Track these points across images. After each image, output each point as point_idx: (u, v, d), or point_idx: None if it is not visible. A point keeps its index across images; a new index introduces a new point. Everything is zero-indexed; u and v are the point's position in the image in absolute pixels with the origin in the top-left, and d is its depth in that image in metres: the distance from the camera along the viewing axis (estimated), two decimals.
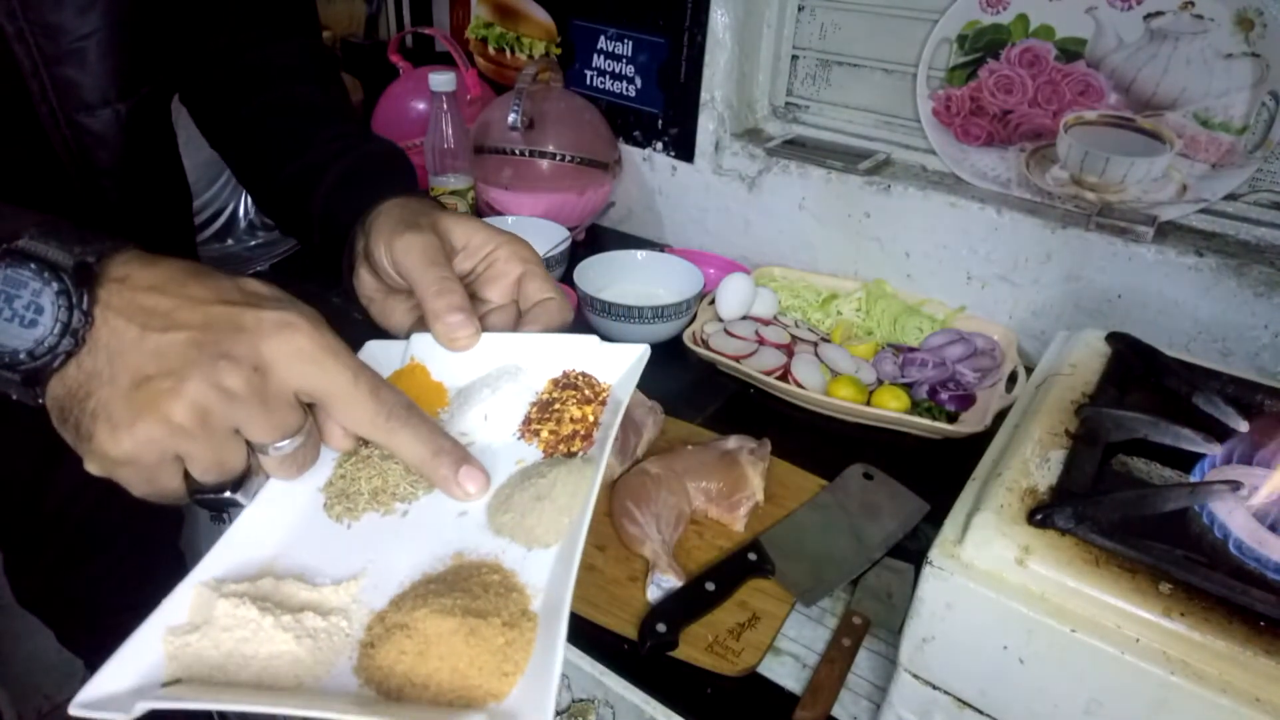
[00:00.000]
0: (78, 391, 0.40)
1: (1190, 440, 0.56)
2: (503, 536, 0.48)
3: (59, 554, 0.96)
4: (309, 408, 0.45)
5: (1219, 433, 0.57)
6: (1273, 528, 0.49)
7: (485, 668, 0.40)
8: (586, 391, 0.56)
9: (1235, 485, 0.50)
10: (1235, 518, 0.50)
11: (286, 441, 0.44)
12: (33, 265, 0.40)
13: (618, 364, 0.58)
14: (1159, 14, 0.94)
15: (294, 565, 0.47)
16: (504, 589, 0.44)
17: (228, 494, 0.44)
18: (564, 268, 1.22)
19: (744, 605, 0.70)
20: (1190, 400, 0.61)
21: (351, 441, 0.49)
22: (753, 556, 0.74)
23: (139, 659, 0.40)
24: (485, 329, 0.58)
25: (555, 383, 0.58)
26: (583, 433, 0.54)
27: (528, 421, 0.56)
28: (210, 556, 0.46)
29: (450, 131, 1.24)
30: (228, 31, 0.76)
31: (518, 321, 0.60)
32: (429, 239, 0.57)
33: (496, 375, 0.58)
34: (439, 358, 0.58)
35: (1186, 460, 0.58)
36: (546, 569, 0.46)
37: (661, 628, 0.66)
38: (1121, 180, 1.02)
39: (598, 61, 1.37)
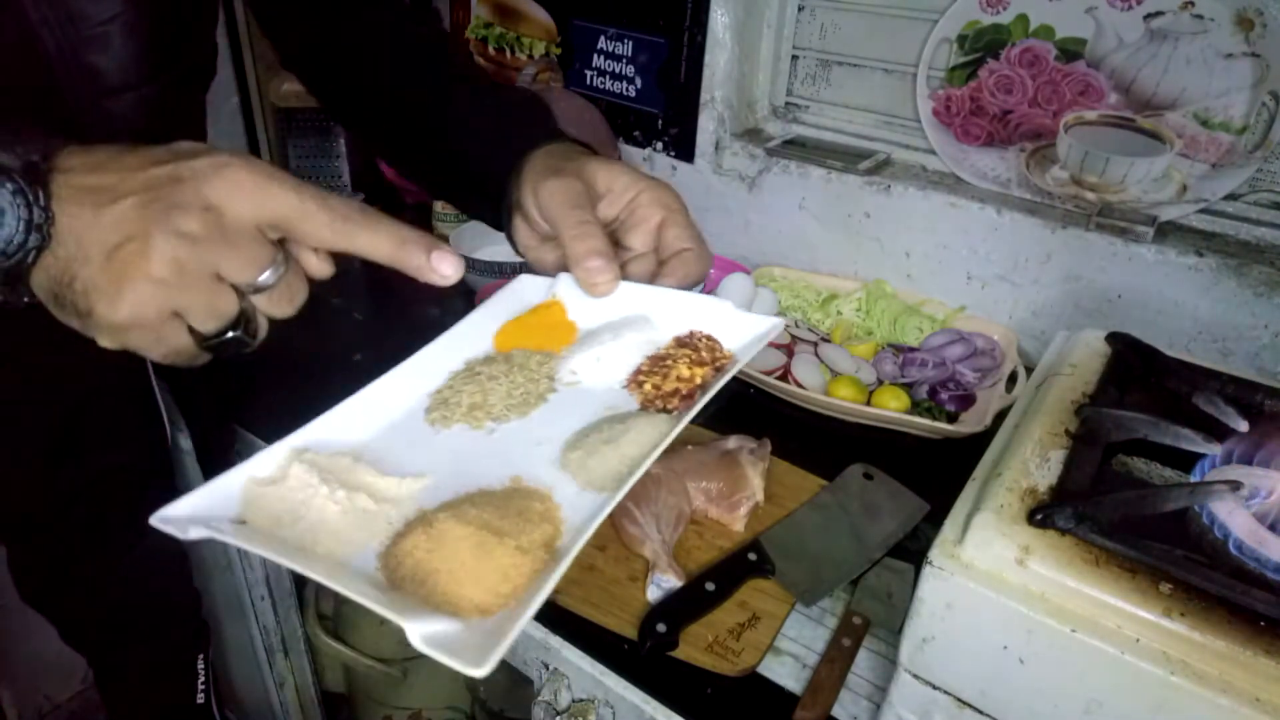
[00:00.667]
0: (61, 278, 0.42)
1: (1190, 440, 0.56)
2: (565, 471, 0.50)
3: (62, 552, 0.96)
4: (280, 243, 0.46)
5: (1219, 433, 0.57)
6: (1273, 527, 0.49)
7: (483, 582, 0.41)
8: (704, 354, 0.56)
9: (1235, 485, 0.50)
10: (1235, 518, 0.50)
11: (265, 274, 0.45)
12: None
13: (746, 332, 0.58)
14: (1159, 14, 0.94)
15: (376, 454, 0.52)
16: (540, 518, 0.46)
17: (230, 334, 0.46)
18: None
19: (744, 605, 0.71)
20: (1190, 400, 0.61)
21: (328, 263, 0.49)
22: (753, 556, 0.74)
23: (220, 495, 0.46)
24: (625, 277, 0.59)
25: (678, 340, 0.58)
26: (684, 392, 0.54)
27: (637, 372, 0.57)
28: (309, 426, 0.51)
29: None
30: (321, 8, 0.76)
31: (656, 270, 0.61)
32: (572, 184, 0.58)
33: (624, 323, 0.59)
34: (577, 299, 0.61)
35: (1186, 460, 0.58)
36: (589, 511, 0.47)
37: (661, 628, 0.66)
38: (1121, 180, 1.02)
39: (598, 61, 1.37)
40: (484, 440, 0.54)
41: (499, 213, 0.66)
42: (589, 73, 1.39)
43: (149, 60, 0.67)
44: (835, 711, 0.64)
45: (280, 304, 0.47)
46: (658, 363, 0.57)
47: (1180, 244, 0.98)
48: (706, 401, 0.53)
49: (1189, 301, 0.98)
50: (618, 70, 1.36)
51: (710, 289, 1.14)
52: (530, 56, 1.45)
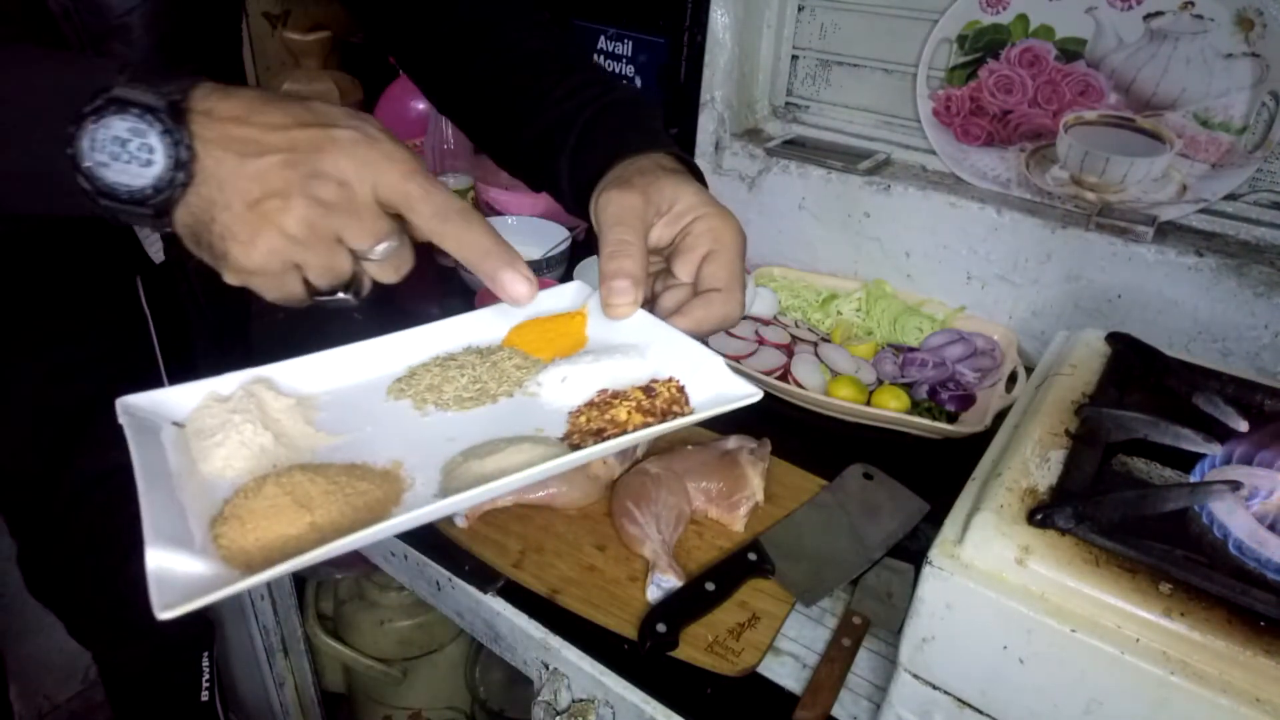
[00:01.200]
0: (203, 217, 0.46)
1: (1190, 440, 0.56)
2: (440, 473, 0.51)
3: (71, 548, 0.96)
4: (398, 217, 0.50)
5: (1219, 433, 0.57)
6: (1272, 528, 0.49)
7: (261, 539, 0.44)
8: (658, 403, 0.55)
9: (1235, 485, 0.51)
10: (1235, 518, 0.50)
11: (382, 245, 0.49)
12: (134, 110, 0.44)
13: (722, 393, 0.56)
14: (1159, 14, 0.94)
15: (325, 405, 0.57)
16: (365, 505, 0.47)
17: (340, 295, 0.52)
18: (564, 267, 1.22)
19: (744, 605, 0.71)
20: (1190, 400, 0.61)
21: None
22: (753, 556, 0.74)
23: (178, 398, 0.53)
24: (655, 306, 0.60)
25: (652, 380, 0.58)
26: (606, 435, 0.53)
27: (590, 402, 0.56)
28: (282, 364, 0.57)
29: (450, 132, 1.24)
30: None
31: (685, 304, 0.60)
32: (630, 199, 0.58)
33: (618, 348, 0.59)
34: (597, 313, 0.61)
35: (1186, 460, 0.58)
36: (420, 513, 0.46)
37: (661, 628, 0.66)
38: (1121, 180, 1.02)
39: (598, 61, 1.37)
40: (412, 421, 0.56)
41: (589, 214, 0.66)
42: None
43: (169, 51, 0.67)
44: (835, 711, 0.64)
45: (387, 272, 0.51)
46: (609, 398, 0.56)
47: (1180, 244, 0.98)
48: (606, 449, 0.51)
49: (1189, 301, 0.98)
50: (618, 70, 1.36)
51: None
52: None
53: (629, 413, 0.54)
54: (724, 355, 1.03)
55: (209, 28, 0.72)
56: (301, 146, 0.46)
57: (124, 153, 0.44)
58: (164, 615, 0.37)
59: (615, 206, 0.58)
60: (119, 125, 0.44)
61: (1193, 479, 0.57)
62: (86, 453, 0.89)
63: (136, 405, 0.51)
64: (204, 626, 1.15)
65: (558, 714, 0.71)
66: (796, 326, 1.13)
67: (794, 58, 1.26)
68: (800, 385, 1.00)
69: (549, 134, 0.70)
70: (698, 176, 0.66)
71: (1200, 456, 0.56)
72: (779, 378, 1.01)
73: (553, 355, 0.61)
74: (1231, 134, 0.95)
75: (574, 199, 0.69)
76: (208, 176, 0.45)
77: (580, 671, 0.68)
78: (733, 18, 1.20)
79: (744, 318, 1.10)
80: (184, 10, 0.67)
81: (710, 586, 0.70)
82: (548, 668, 0.71)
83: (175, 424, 0.52)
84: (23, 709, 1.55)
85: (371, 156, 0.47)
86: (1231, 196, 0.98)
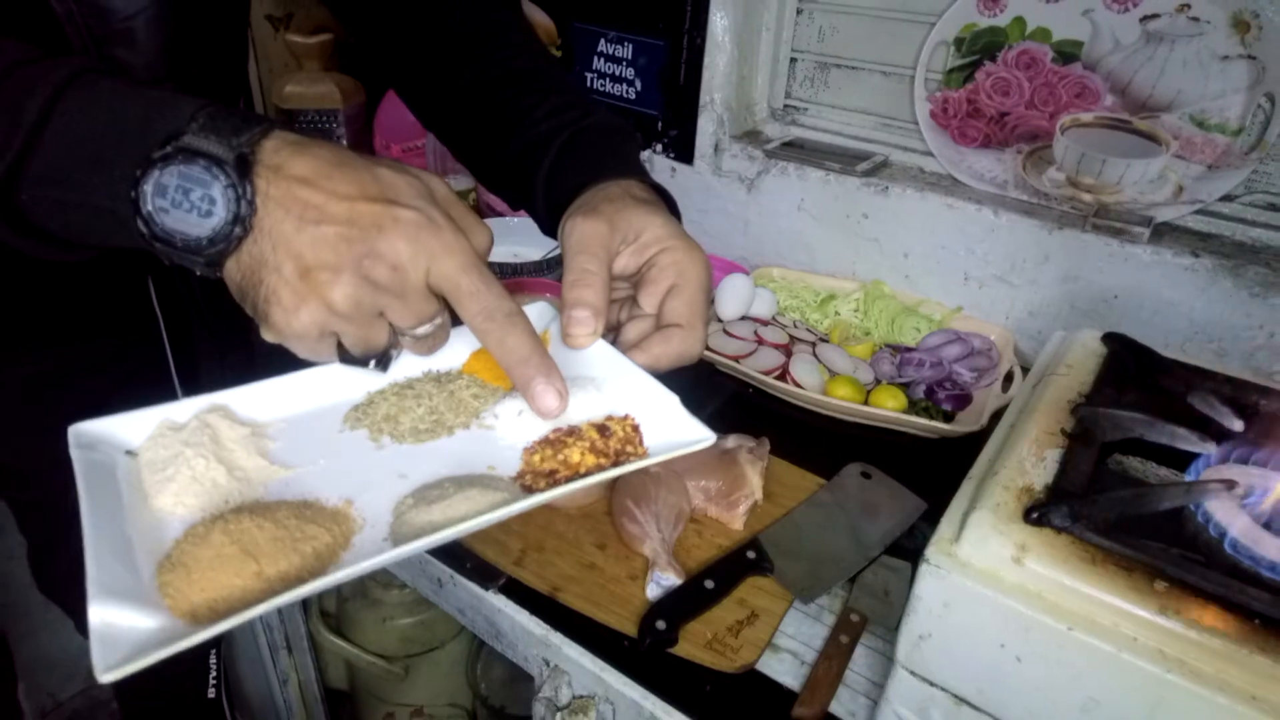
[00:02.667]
0: (251, 277, 0.47)
1: (1186, 439, 0.56)
2: (392, 514, 0.50)
3: (81, 546, 0.97)
4: (442, 299, 0.51)
5: (1214, 432, 0.57)
6: (1268, 526, 0.50)
7: (206, 590, 0.42)
8: (612, 444, 0.54)
9: (1230, 484, 0.51)
10: (1231, 516, 0.50)
11: (424, 327, 0.50)
12: (201, 161, 0.44)
13: (674, 434, 0.55)
14: (1155, 16, 0.95)
15: (279, 434, 0.55)
16: (314, 552, 0.46)
17: (371, 364, 0.53)
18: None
19: (743, 603, 0.71)
20: (1186, 400, 0.61)
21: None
22: (751, 555, 0.74)
23: (131, 426, 0.52)
24: (619, 337, 0.59)
25: (607, 418, 0.56)
26: (559, 477, 0.52)
27: (544, 439, 0.55)
28: (238, 390, 0.56)
29: None
30: (416, 5, 0.75)
31: (645, 338, 0.59)
32: (595, 226, 0.57)
33: (576, 381, 0.57)
34: (557, 340, 0.60)
35: (1182, 460, 0.58)
36: (364, 565, 0.45)
37: (661, 625, 0.67)
38: (1118, 181, 1.03)
39: (598, 64, 1.37)
40: (367, 454, 0.54)
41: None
42: (589, 75, 1.39)
43: (173, 56, 0.67)
44: (833, 708, 0.64)
45: (422, 347, 0.53)
46: (562, 436, 0.55)
47: (1176, 245, 0.99)
48: (556, 494, 0.50)
49: (1185, 302, 0.99)
50: (618, 72, 1.36)
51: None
52: None
53: (582, 453, 0.53)
54: (723, 355, 1.04)
55: (214, 32, 0.72)
56: (362, 222, 0.46)
57: (186, 201, 0.45)
58: (106, 678, 0.35)
59: (580, 233, 0.57)
60: (184, 174, 0.44)
61: (1188, 478, 0.57)
62: None
63: (89, 433, 0.50)
64: None
65: (558, 710, 0.71)
66: (795, 326, 1.13)
67: (793, 60, 1.27)
68: (798, 385, 1.01)
69: (527, 153, 0.69)
70: (671, 206, 0.65)
71: (1196, 456, 0.57)
72: (777, 377, 1.02)
73: (511, 384, 0.58)
74: (1227, 135, 0.95)
75: (548, 220, 0.68)
76: (264, 234, 0.46)
77: (581, 668, 0.68)
78: (732, 20, 1.20)
79: (743, 318, 1.11)
80: (189, 15, 0.67)
81: (709, 584, 0.71)
82: (548, 665, 0.72)
83: (128, 453, 0.51)
84: (27, 707, 1.55)
85: (431, 244, 0.47)
86: (1227, 198, 0.99)
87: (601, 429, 0.55)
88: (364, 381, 0.59)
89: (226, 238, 0.45)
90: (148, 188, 0.44)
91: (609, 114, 0.72)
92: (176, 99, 0.47)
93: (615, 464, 0.53)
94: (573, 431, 0.55)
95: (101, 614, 0.38)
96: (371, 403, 0.58)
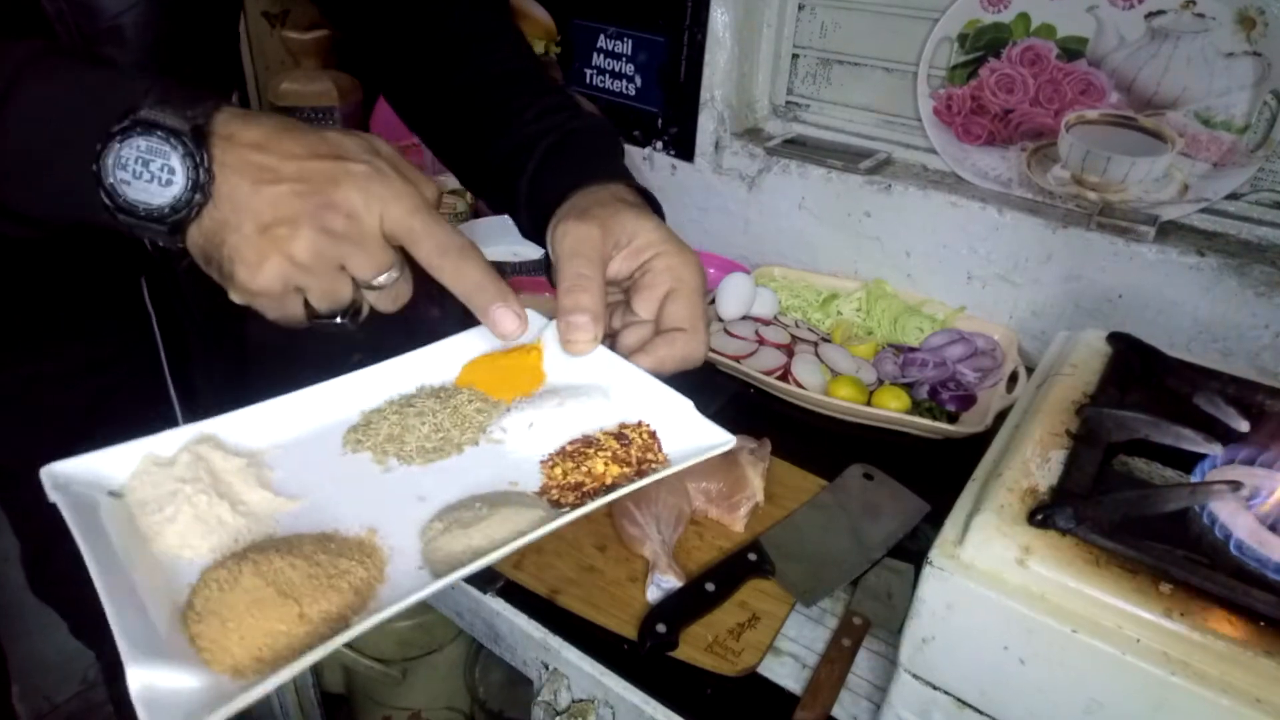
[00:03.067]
0: (213, 238, 0.48)
1: (1191, 440, 0.56)
2: (420, 539, 0.48)
3: (75, 548, 0.96)
4: (401, 252, 0.52)
5: (1220, 433, 0.57)
6: (1273, 528, 0.49)
7: (247, 640, 0.40)
8: (633, 452, 0.54)
9: (1236, 485, 0.50)
10: (1236, 518, 0.50)
11: (383, 276, 0.51)
12: (158, 132, 0.46)
13: (694, 439, 0.54)
14: (1160, 13, 0.94)
15: (276, 461, 0.53)
16: (351, 587, 0.44)
17: (338, 320, 0.52)
18: None
19: (744, 605, 0.70)
20: (1191, 400, 0.61)
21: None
22: (753, 557, 0.73)
23: (112, 463, 0.49)
24: (616, 343, 0.58)
25: (621, 426, 0.56)
26: (586, 489, 0.52)
27: (561, 451, 0.54)
28: (226, 417, 0.53)
29: None
30: (413, 5, 0.75)
31: (647, 343, 0.59)
32: (588, 231, 0.57)
33: (580, 390, 0.57)
34: (556, 351, 0.59)
35: (1187, 460, 0.58)
36: (406, 593, 0.43)
37: (661, 628, 0.66)
38: (1123, 180, 1.02)
39: (597, 60, 1.37)
40: (376, 478, 0.53)
41: (544, 238, 0.65)
42: (589, 71, 1.39)
43: (163, 54, 0.67)
44: (835, 712, 0.64)
45: (386, 301, 0.53)
46: (582, 447, 0.54)
47: (1181, 243, 0.98)
48: (596, 506, 0.49)
49: (1190, 301, 0.98)
50: (617, 69, 1.35)
51: (710, 289, 1.14)
52: None
53: (605, 464, 0.53)
54: (724, 355, 1.03)
55: (205, 30, 0.72)
56: (315, 177, 0.48)
57: (146, 172, 0.46)
58: None
59: (573, 238, 0.57)
60: (143, 146, 0.46)
61: (1193, 479, 0.57)
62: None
63: (64, 474, 0.47)
64: None
65: (557, 714, 0.71)
66: (797, 326, 1.13)
67: (794, 56, 1.26)
68: (800, 385, 1.00)
69: (514, 154, 0.70)
70: (657, 210, 0.65)
71: (1201, 457, 0.56)
72: (779, 377, 1.01)
73: (513, 395, 0.59)
74: (1233, 133, 0.94)
75: (530, 224, 0.68)
76: (223, 199, 0.47)
77: (580, 672, 0.68)
78: (733, 16, 1.20)
79: (744, 318, 1.10)
80: (179, 13, 0.67)
81: (710, 587, 0.70)
82: (547, 668, 0.71)
83: (112, 493, 0.48)
84: (22, 710, 1.55)
85: (382, 192, 0.49)
86: (1233, 196, 0.98)
87: (619, 437, 0.55)
88: (355, 399, 0.58)
89: (188, 204, 0.47)
90: (108, 160, 0.46)
91: (596, 117, 0.72)
92: (128, 75, 0.49)
93: (639, 473, 0.53)
94: (591, 442, 0.54)
95: (141, 677, 0.36)
96: (370, 423, 0.56)
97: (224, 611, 0.41)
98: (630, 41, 1.32)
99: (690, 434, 0.55)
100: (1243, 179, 0.96)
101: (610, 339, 0.61)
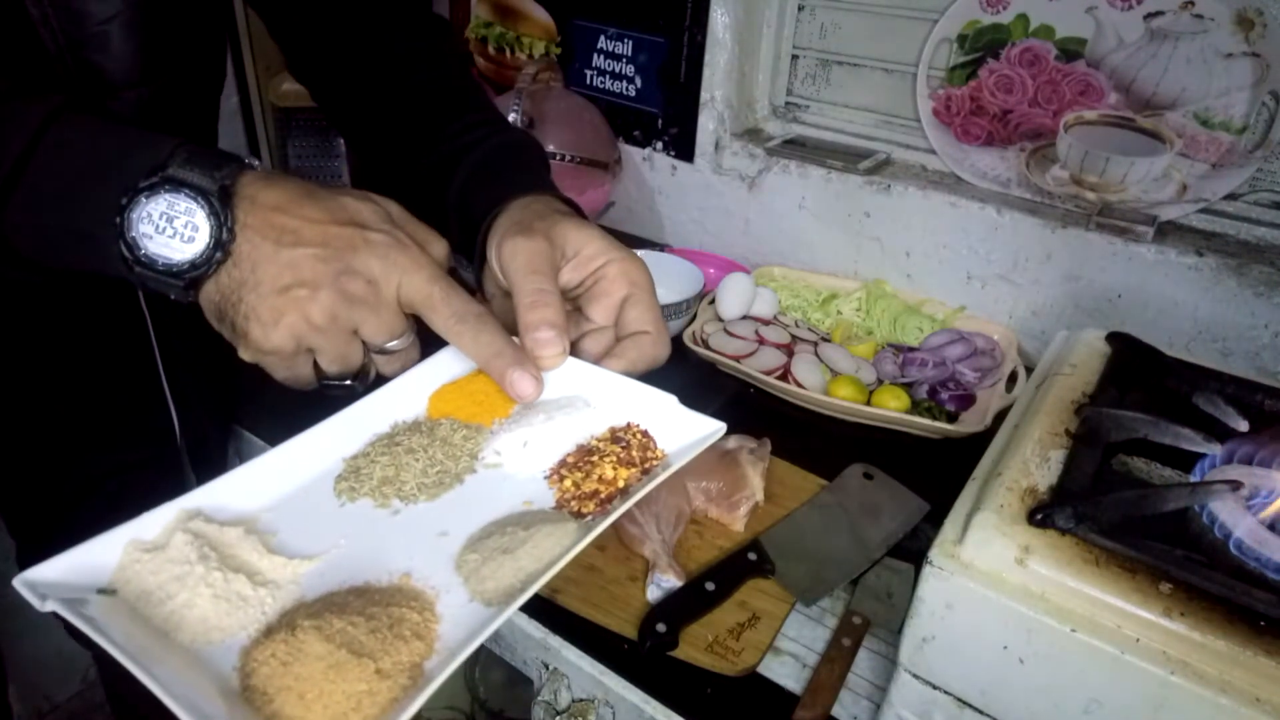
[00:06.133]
0: (230, 296, 0.49)
1: (1190, 440, 0.56)
2: (458, 574, 0.47)
3: (72, 547, 0.96)
4: (412, 317, 0.54)
5: (1219, 432, 0.57)
6: (1273, 527, 0.49)
7: (331, 709, 0.39)
8: (634, 453, 0.54)
9: (1235, 485, 0.50)
10: (1236, 518, 0.50)
11: (396, 341, 0.53)
12: (186, 190, 0.47)
13: (686, 432, 0.55)
14: (1159, 14, 0.94)
15: (272, 524, 0.51)
16: (412, 633, 0.43)
17: (348, 382, 0.54)
18: None
19: (744, 605, 0.70)
20: (1190, 400, 0.61)
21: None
22: (753, 556, 0.74)
23: (94, 558, 0.45)
24: (578, 352, 0.58)
25: (612, 431, 0.56)
26: (603, 496, 0.52)
27: (562, 463, 0.54)
28: (207, 487, 0.50)
29: None
30: (344, 19, 0.76)
31: (612, 347, 0.59)
32: (537, 245, 0.58)
33: (561, 403, 0.57)
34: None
35: (1187, 460, 0.58)
36: (470, 627, 0.43)
37: (661, 627, 0.66)
38: (1122, 180, 1.02)
39: (598, 61, 1.37)
40: (386, 522, 0.51)
41: (472, 250, 0.66)
42: (589, 72, 1.39)
43: (148, 60, 0.67)
44: (835, 711, 0.64)
45: (394, 366, 0.55)
46: (584, 456, 0.54)
47: (1180, 244, 0.98)
48: (626, 508, 0.49)
49: (1189, 301, 0.98)
50: (618, 70, 1.36)
51: (710, 289, 1.14)
52: (530, 56, 1.45)
53: (614, 467, 0.53)
54: (724, 355, 1.03)
55: (191, 37, 0.72)
56: (335, 243, 0.50)
57: (170, 228, 0.48)
58: None
59: (525, 255, 0.57)
60: (169, 203, 0.47)
61: (1193, 479, 0.57)
62: (87, 453, 0.89)
63: (45, 580, 0.42)
64: None
65: (558, 714, 0.71)
66: (796, 326, 1.13)
67: (794, 57, 1.26)
68: (800, 385, 1.00)
69: (439, 168, 0.71)
70: (584, 218, 0.66)
71: (1200, 456, 0.56)
72: (779, 377, 1.01)
73: (490, 418, 0.58)
74: (1232, 134, 0.95)
75: (459, 235, 0.69)
76: (242, 259, 0.49)
77: (580, 671, 0.68)
78: (733, 17, 1.20)
79: (744, 317, 1.10)
80: (164, 21, 0.67)
81: (710, 586, 0.70)
82: (548, 668, 0.71)
83: (102, 591, 0.44)
84: (21, 709, 1.55)
85: (401, 260, 0.51)
86: (1232, 196, 0.98)
87: (616, 440, 0.55)
88: (334, 448, 0.55)
89: (208, 261, 0.48)
90: (134, 214, 0.47)
91: (521, 131, 0.75)
92: (154, 136, 0.50)
93: (644, 471, 0.53)
94: (591, 450, 0.54)
95: None
96: (359, 469, 0.54)
97: (298, 685, 0.39)
98: (630, 42, 1.32)
99: (680, 427, 0.56)
100: (1241, 179, 0.96)
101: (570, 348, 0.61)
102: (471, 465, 0.55)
